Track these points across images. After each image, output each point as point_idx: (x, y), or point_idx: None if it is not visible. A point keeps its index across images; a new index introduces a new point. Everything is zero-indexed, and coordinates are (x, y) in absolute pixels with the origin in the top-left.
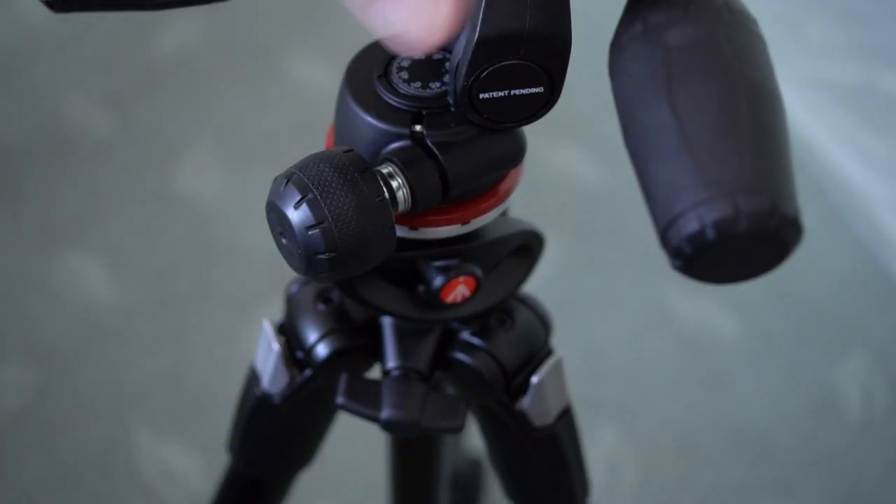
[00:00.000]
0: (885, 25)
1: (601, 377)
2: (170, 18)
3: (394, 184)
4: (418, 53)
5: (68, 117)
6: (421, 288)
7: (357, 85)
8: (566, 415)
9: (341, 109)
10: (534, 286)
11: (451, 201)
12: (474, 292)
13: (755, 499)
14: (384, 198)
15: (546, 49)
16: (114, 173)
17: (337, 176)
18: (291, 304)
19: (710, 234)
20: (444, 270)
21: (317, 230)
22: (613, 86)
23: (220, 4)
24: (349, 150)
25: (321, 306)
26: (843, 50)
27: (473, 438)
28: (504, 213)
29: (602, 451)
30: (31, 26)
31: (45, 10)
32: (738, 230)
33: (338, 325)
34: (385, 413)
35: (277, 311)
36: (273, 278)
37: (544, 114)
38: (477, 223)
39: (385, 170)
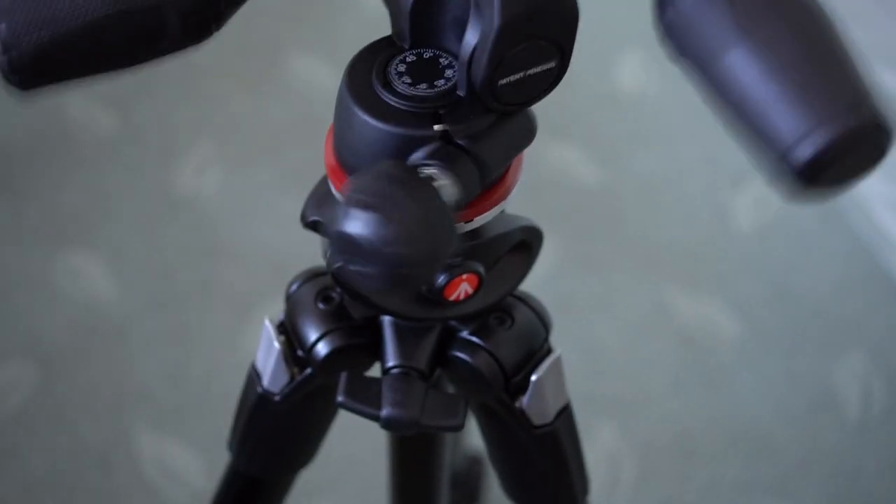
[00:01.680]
0: (885, 25)
1: (600, 375)
2: None
3: (442, 184)
4: None
5: (70, 117)
6: (423, 286)
7: (364, 99)
8: (565, 413)
9: (349, 122)
10: (533, 285)
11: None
12: (476, 289)
13: (754, 497)
14: (442, 199)
15: (559, 23)
16: (115, 173)
17: (398, 188)
18: (292, 302)
19: (833, 151)
20: (447, 268)
21: (394, 246)
22: (675, 42)
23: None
24: (396, 162)
25: (321, 305)
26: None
27: (473, 436)
28: (503, 211)
29: (601, 450)
30: None
31: None
32: (855, 142)
33: (338, 323)
34: (385, 411)
35: (278, 310)
36: (274, 277)
37: (555, 87)
38: (480, 220)
39: (427, 171)
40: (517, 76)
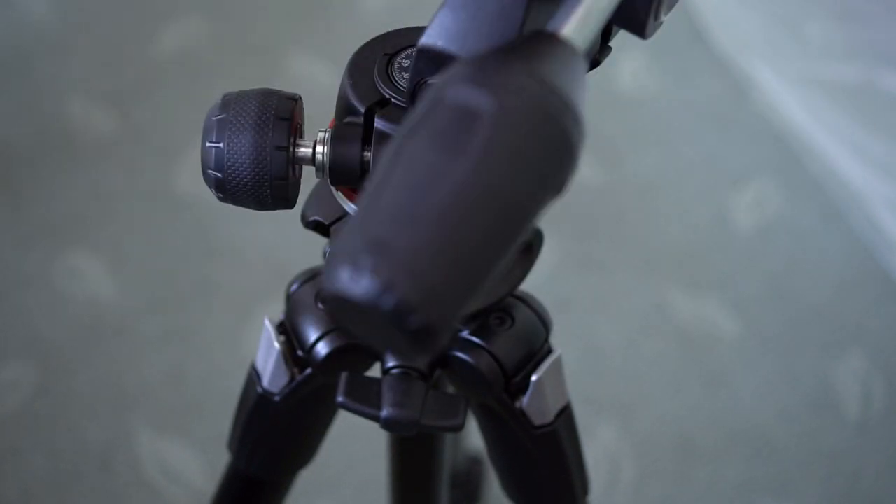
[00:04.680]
0: (885, 25)
1: (600, 376)
2: (171, 17)
3: (319, 149)
4: None
5: (70, 116)
6: None
7: (364, 90)
8: (565, 413)
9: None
10: (534, 285)
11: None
12: None
13: (753, 497)
14: (285, 148)
15: None
16: (115, 172)
17: (249, 117)
18: (292, 303)
19: (351, 297)
20: None
21: (213, 147)
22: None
23: (220, 5)
24: (292, 98)
25: (322, 305)
26: (842, 50)
27: (473, 436)
28: None
29: (601, 450)
30: (33, 25)
31: (47, 10)
32: (379, 308)
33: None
34: (385, 412)
35: (278, 310)
36: (274, 277)
37: None
38: None
39: (321, 134)
40: None
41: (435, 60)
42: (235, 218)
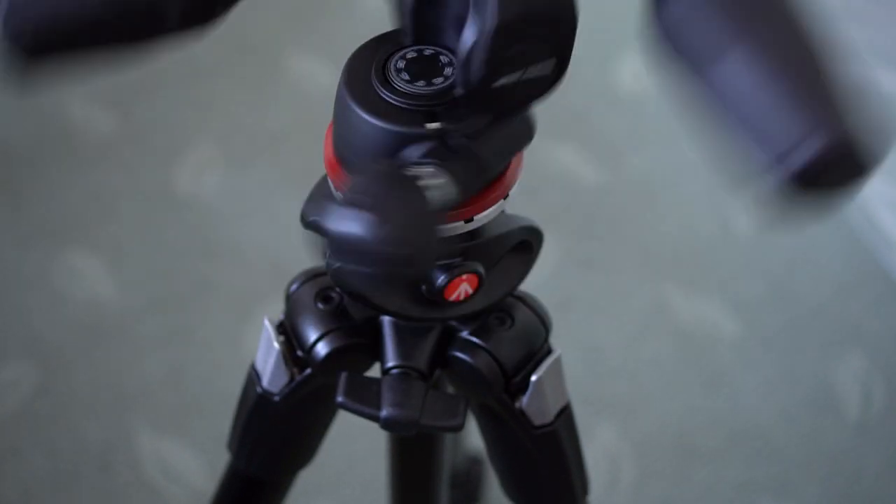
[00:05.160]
0: (885, 25)
1: (600, 376)
2: None
3: (436, 183)
4: None
5: (70, 117)
6: (423, 286)
7: (361, 94)
8: (565, 413)
9: (345, 117)
10: (533, 285)
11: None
12: (476, 289)
13: (754, 497)
14: (429, 201)
15: (557, 28)
16: (115, 172)
17: (392, 190)
18: (291, 303)
19: (837, 154)
20: (446, 268)
21: (385, 245)
22: (668, 44)
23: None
24: (391, 163)
25: (321, 305)
26: (841, 50)
27: (473, 436)
28: (503, 211)
29: (601, 450)
30: None
31: None
32: (852, 149)
33: (338, 324)
34: (385, 412)
35: (278, 310)
36: (273, 277)
37: (553, 91)
38: (479, 220)
39: (425, 171)
40: (514, 78)
41: (512, 33)
42: (235, 218)
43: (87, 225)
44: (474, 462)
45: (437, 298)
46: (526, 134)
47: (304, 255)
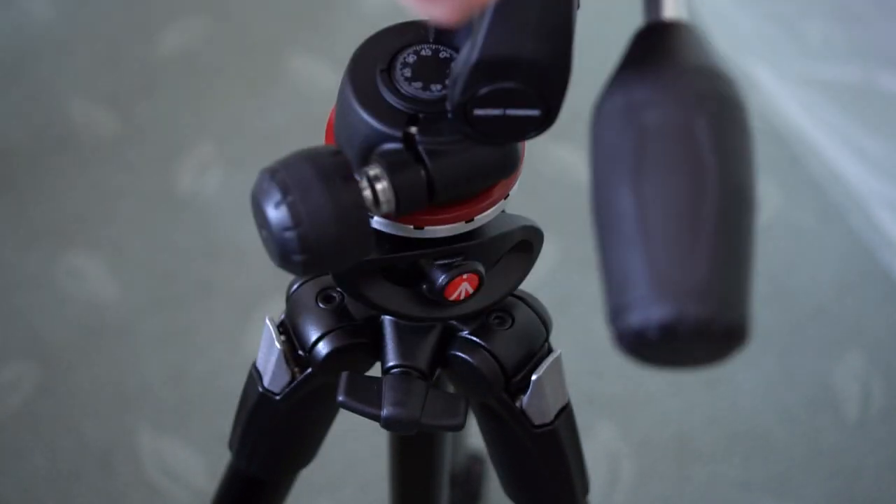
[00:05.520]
0: (884, 25)
1: (600, 375)
2: (172, 18)
3: (378, 186)
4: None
5: (72, 118)
6: (424, 286)
7: (359, 78)
8: (565, 412)
9: (342, 100)
10: (533, 285)
11: (441, 204)
12: (477, 289)
13: (753, 497)
14: (363, 206)
15: (544, 77)
16: (117, 173)
17: (318, 180)
18: (292, 302)
19: (653, 333)
20: (447, 268)
21: (292, 233)
22: (589, 148)
23: (220, 5)
24: (337, 153)
25: (322, 305)
26: (841, 50)
27: (473, 436)
28: (503, 211)
29: (601, 449)
30: (34, 26)
31: (47, 11)
32: (679, 333)
33: (339, 323)
34: (386, 411)
35: (279, 310)
36: (275, 277)
37: (538, 135)
38: (480, 220)
39: (372, 172)
40: (495, 112)
41: (492, 71)
42: (236, 218)
43: (87, 225)
44: (475, 461)
45: (437, 298)
46: (499, 169)
47: None
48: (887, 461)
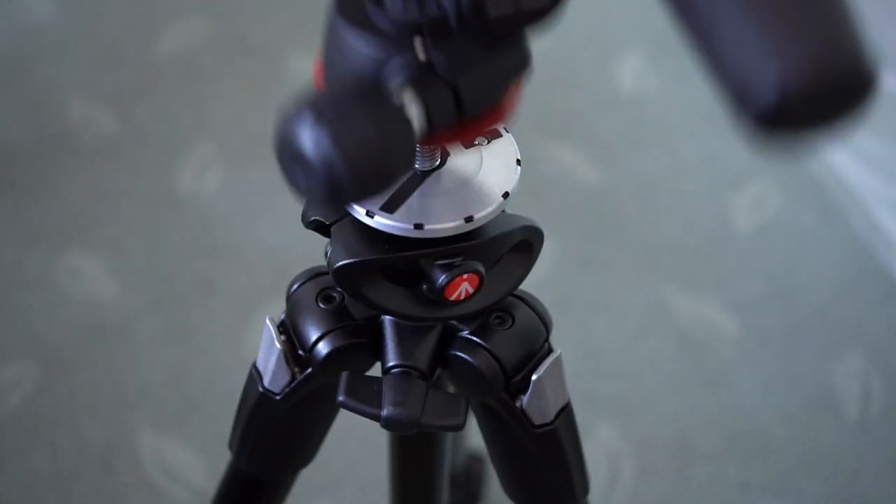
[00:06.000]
0: (885, 26)
1: (600, 375)
2: (172, 18)
3: (411, 109)
4: None
5: (72, 118)
6: (424, 286)
7: (350, 9)
8: (566, 412)
9: (335, 37)
10: (534, 285)
11: (469, 118)
12: (477, 289)
13: (753, 496)
14: (400, 109)
15: None
16: (117, 173)
17: (347, 98)
18: (293, 302)
19: (795, 100)
20: (447, 268)
21: (335, 153)
22: None
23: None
24: (371, 82)
25: (322, 305)
26: None
27: (473, 436)
28: (503, 211)
29: (601, 449)
30: (35, 27)
31: (48, 11)
32: (821, 92)
33: (339, 323)
34: (386, 411)
35: (279, 310)
36: (275, 277)
37: (550, 20)
38: (480, 220)
39: (400, 95)
40: (507, 10)
41: None
42: (236, 218)
43: (87, 225)
44: (475, 461)
45: (437, 298)
46: (520, 64)
47: (304, 254)
48: (887, 461)
